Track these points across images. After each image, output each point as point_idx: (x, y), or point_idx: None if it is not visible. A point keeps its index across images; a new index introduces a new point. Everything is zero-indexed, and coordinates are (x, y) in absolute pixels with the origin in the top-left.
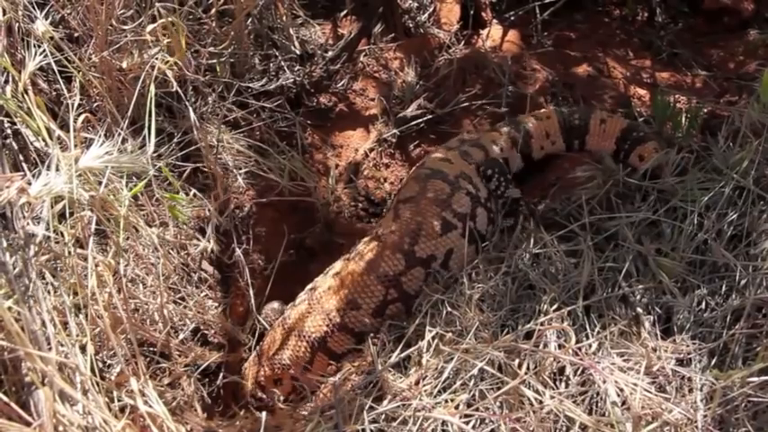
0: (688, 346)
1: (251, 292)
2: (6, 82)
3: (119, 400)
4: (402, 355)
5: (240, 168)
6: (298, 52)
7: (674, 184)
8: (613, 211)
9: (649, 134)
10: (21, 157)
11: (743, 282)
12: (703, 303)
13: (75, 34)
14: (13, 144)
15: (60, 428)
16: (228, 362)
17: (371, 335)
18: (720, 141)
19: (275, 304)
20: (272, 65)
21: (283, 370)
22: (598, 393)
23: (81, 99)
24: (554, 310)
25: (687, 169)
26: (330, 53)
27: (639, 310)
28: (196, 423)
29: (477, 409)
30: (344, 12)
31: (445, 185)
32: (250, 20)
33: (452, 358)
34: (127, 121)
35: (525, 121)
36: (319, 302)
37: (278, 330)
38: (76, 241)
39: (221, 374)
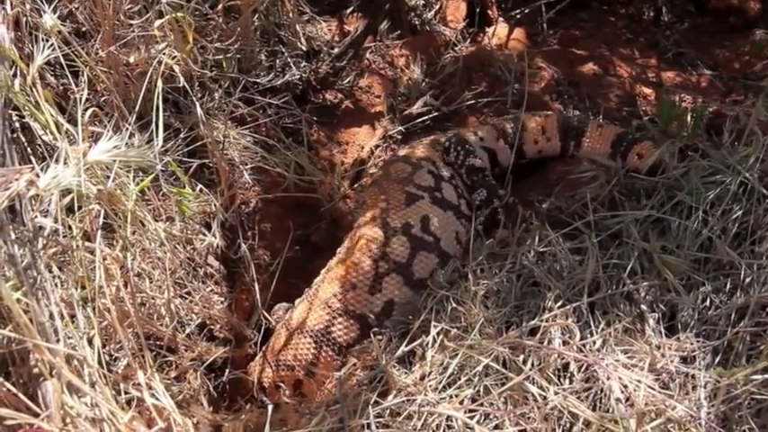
0: (692, 343)
1: (256, 287)
2: (15, 75)
3: (126, 393)
4: (407, 350)
5: (246, 164)
6: (304, 49)
7: (680, 176)
8: (618, 208)
9: (644, 135)
10: (29, 151)
11: (747, 280)
12: (708, 301)
13: (83, 29)
14: (22, 138)
15: (68, 420)
16: (234, 357)
17: (375, 323)
18: (725, 138)
19: (286, 305)
20: (278, 61)
21: (288, 371)
22: (602, 390)
23: (88, 94)
24: (558, 307)
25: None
26: (336, 50)
27: (644, 307)
28: (202, 416)
29: (481, 405)
30: (351, 9)
31: (407, 166)
32: (256, 16)
33: (457, 354)
34: (134, 116)
35: (521, 117)
36: (317, 296)
37: (282, 332)
38: (84, 235)
39: (227, 369)
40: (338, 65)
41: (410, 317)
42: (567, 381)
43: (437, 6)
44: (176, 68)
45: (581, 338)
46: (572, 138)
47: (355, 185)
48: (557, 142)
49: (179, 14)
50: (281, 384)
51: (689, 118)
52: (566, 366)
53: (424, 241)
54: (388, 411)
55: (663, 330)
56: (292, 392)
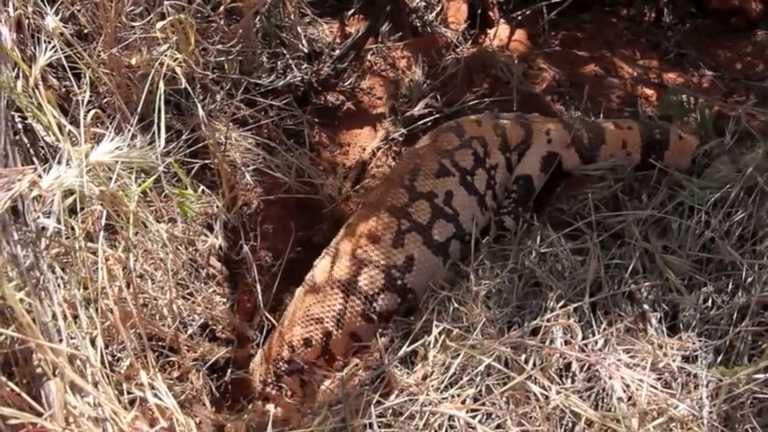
0: (694, 343)
1: (258, 288)
2: (17, 77)
3: (128, 393)
4: (409, 350)
5: (248, 166)
6: (305, 50)
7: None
8: (620, 208)
9: (721, 148)
10: (31, 152)
11: (749, 280)
12: (709, 301)
13: (85, 31)
14: (24, 139)
15: (71, 419)
16: (236, 357)
17: (398, 275)
18: (727, 139)
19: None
20: (279, 63)
21: (317, 323)
22: (604, 389)
23: (90, 95)
24: (560, 307)
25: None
26: (338, 51)
27: (646, 306)
28: (205, 416)
29: (483, 405)
30: (352, 10)
31: (455, 139)
32: (258, 18)
33: (459, 354)
34: (136, 118)
35: (602, 126)
36: (339, 250)
37: (303, 292)
38: (87, 235)
39: (229, 370)
40: (340, 66)
41: (430, 281)
42: (569, 380)
43: (438, 8)
44: (178, 70)
45: (583, 338)
46: (654, 152)
47: (357, 187)
48: (637, 156)
49: (181, 16)
50: (312, 338)
51: (701, 116)
52: (568, 366)
53: (445, 212)
54: (390, 411)
55: (665, 330)
56: (321, 347)
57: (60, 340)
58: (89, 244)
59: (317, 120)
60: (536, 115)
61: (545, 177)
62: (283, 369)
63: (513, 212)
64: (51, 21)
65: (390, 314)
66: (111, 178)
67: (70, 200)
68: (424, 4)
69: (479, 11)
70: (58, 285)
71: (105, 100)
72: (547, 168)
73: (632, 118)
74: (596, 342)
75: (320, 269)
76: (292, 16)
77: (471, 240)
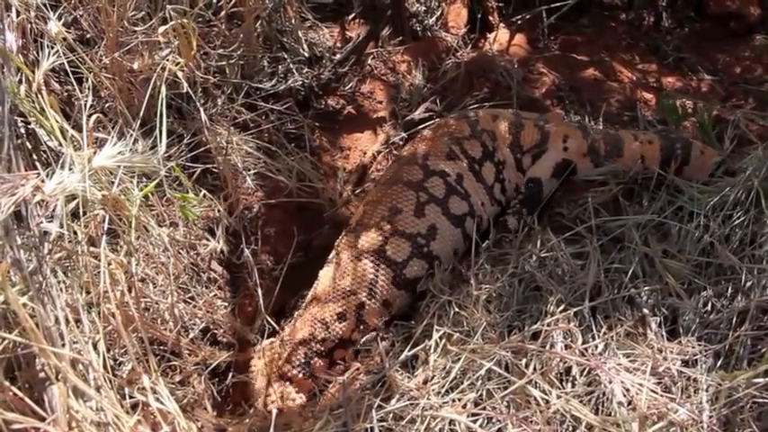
0: (694, 347)
1: (259, 292)
2: (20, 82)
3: (130, 397)
4: (410, 354)
5: (249, 170)
6: (306, 55)
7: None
8: (620, 212)
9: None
10: (34, 157)
11: (748, 284)
12: (709, 305)
13: (87, 36)
14: (27, 144)
15: (73, 424)
16: (238, 361)
17: (423, 243)
18: (726, 143)
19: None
20: (280, 67)
21: (351, 295)
22: (604, 393)
23: (93, 100)
24: (560, 312)
25: None
26: (338, 56)
27: (645, 311)
28: (206, 420)
29: (484, 409)
30: (352, 15)
31: (466, 128)
32: (259, 22)
33: (460, 358)
34: (138, 122)
35: (622, 138)
36: (362, 224)
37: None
38: (89, 240)
39: (231, 373)
40: (340, 71)
41: (452, 253)
42: (570, 384)
43: (438, 12)
44: (180, 74)
45: (583, 342)
46: (672, 166)
47: (358, 190)
48: (654, 169)
49: (182, 21)
50: (346, 312)
51: (706, 122)
52: (568, 370)
53: (458, 190)
54: (391, 415)
55: (664, 334)
56: (356, 319)
57: (63, 344)
58: (91, 248)
59: (317, 124)
60: (555, 116)
61: (556, 183)
62: (315, 350)
63: (518, 213)
64: (54, 26)
65: (418, 280)
66: (113, 182)
67: (73, 204)
68: (424, 8)
69: (479, 15)
70: (61, 290)
71: (107, 104)
72: (559, 175)
73: (631, 122)
74: (596, 346)
75: (345, 244)
76: (293, 21)
77: (483, 222)
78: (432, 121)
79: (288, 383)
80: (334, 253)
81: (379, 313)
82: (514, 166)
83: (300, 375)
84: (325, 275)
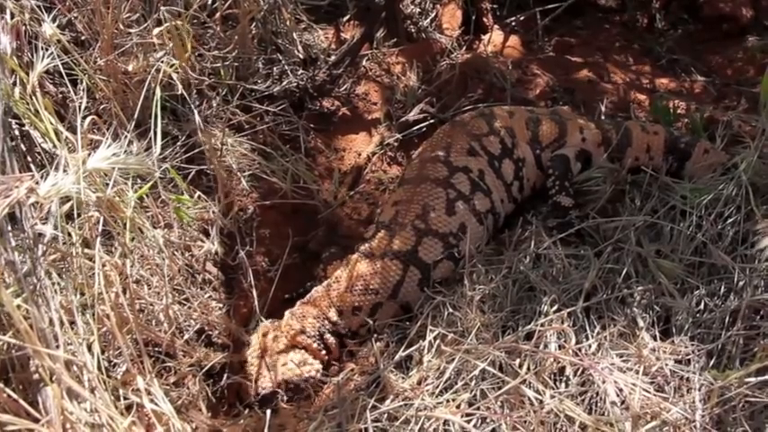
0: (686, 346)
1: (254, 293)
2: (15, 84)
3: (125, 399)
4: (404, 354)
5: (244, 171)
6: (301, 56)
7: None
8: (613, 213)
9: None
10: (29, 159)
11: (741, 283)
12: (702, 305)
13: (82, 38)
14: (22, 145)
15: (68, 425)
16: (232, 362)
17: (454, 242)
18: (718, 143)
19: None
20: (275, 69)
21: (372, 294)
22: (598, 393)
23: (87, 102)
24: (554, 312)
25: None
26: (333, 57)
27: (638, 311)
28: (201, 421)
29: (478, 409)
30: (347, 17)
31: (484, 126)
32: (254, 24)
33: (454, 358)
34: (133, 124)
35: (630, 128)
36: (396, 222)
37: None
38: (84, 241)
39: (225, 375)
40: (335, 72)
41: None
42: (563, 384)
43: (433, 14)
44: (174, 76)
45: (576, 342)
46: (675, 159)
47: (352, 192)
48: (659, 161)
49: (177, 23)
50: (362, 307)
51: (698, 122)
52: (561, 370)
53: (481, 186)
54: (385, 416)
55: (657, 334)
56: (368, 316)
57: (57, 346)
58: (86, 250)
59: (312, 125)
60: (568, 110)
61: (579, 166)
62: (327, 327)
63: (564, 189)
64: (49, 28)
65: (445, 281)
66: (107, 184)
67: (67, 206)
68: (418, 10)
69: (474, 17)
70: (55, 291)
71: (102, 106)
72: (580, 160)
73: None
74: (590, 346)
75: (378, 241)
76: (288, 22)
77: (500, 220)
78: (425, 123)
79: (304, 351)
80: (366, 245)
81: (393, 313)
82: (534, 164)
83: (315, 345)
84: (354, 264)
